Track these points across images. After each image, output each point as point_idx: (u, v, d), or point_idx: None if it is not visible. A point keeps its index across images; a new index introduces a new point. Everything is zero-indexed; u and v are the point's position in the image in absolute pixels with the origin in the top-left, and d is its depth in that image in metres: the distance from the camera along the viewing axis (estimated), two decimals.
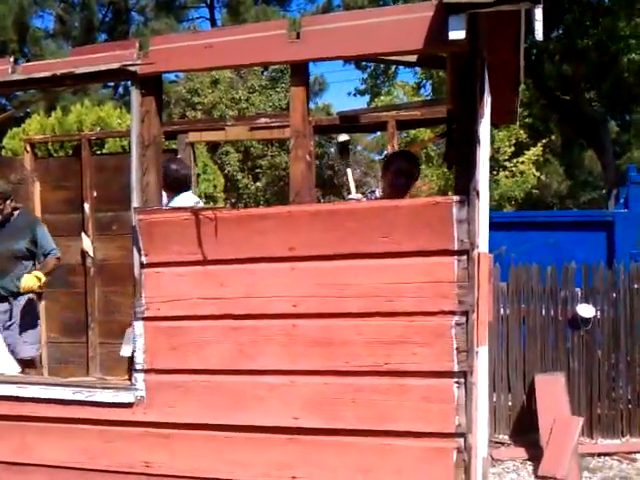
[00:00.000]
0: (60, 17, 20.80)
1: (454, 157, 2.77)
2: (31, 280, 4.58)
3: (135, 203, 2.95)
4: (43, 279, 4.65)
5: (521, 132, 15.86)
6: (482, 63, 2.66)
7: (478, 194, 2.61)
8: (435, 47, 2.59)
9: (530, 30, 2.54)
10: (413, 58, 3.47)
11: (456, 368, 2.55)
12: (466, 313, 2.55)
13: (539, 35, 2.39)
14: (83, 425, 2.98)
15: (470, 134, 2.61)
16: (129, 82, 3.00)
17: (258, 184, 15.41)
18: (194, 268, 2.84)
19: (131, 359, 4.43)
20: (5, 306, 4.72)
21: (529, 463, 4.93)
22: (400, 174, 3.81)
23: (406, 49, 2.68)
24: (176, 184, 4.68)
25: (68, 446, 3.02)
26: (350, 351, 2.64)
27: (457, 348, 2.55)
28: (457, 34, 2.36)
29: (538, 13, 2.34)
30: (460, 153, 2.66)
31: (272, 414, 2.73)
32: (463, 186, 2.60)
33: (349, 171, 3.72)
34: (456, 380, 2.55)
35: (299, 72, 2.78)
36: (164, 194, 4.77)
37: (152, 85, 2.93)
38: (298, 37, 2.68)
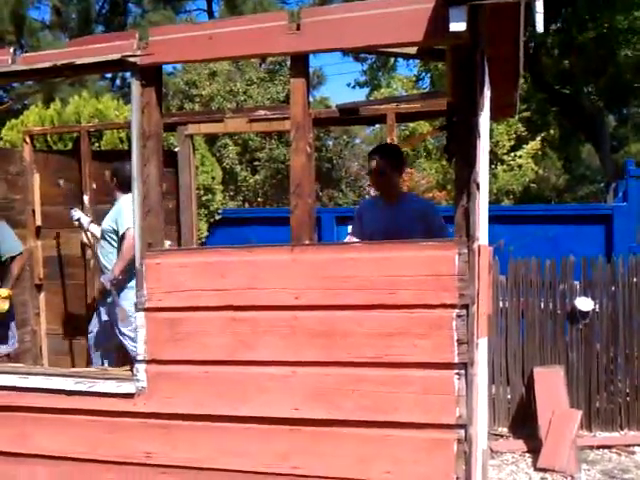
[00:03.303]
0: (57, 8, 20.67)
1: (455, 150, 2.77)
2: None
3: (136, 195, 2.95)
4: (7, 293, 4.67)
5: (520, 126, 15.86)
6: (482, 55, 2.66)
7: (478, 186, 2.61)
8: (436, 39, 2.59)
9: (530, 23, 2.54)
10: (413, 50, 3.47)
11: (457, 360, 2.56)
12: (466, 306, 2.56)
13: (540, 27, 2.39)
14: (84, 416, 2.99)
15: (470, 127, 2.61)
16: (129, 73, 3.00)
17: (257, 177, 15.37)
18: (195, 259, 2.85)
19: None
20: None
21: (528, 455, 4.95)
22: (372, 174, 4.06)
23: (406, 41, 2.68)
24: (128, 184, 4.79)
25: (69, 436, 3.03)
26: (351, 342, 2.65)
27: (458, 340, 2.56)
28: (458, 26, 2.36)
29: (539, 5, 2.35)
30: (460, 146, 2.66)
31: (273, 405, 2.75)
32: (463, 179, 2.61)
33: None
34: (457, 372, 2.57)
35: (299, 64, 2.77)
36: (113, 185, 4.96)
37: (152, 76, 2.93)
38: (298, 29, 2.69)
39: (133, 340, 4.72)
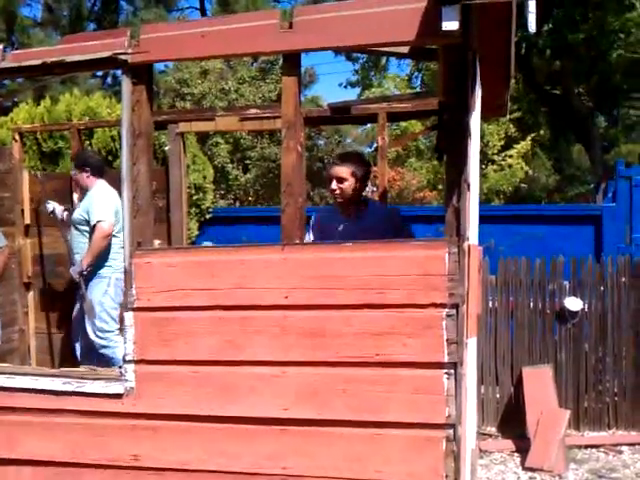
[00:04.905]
0: (48, 6, 20.58)
1: (445, 149, 2.77)
2: None
3: (125, 194, 2.93)
4: None
5: (510, 126, 15.92)
6: (474, 55, 2.66)
7: (469, 186, 2.61)
8: (428, 38, 2.59)
9: (522, 23, 2.54)
10: (405, 49, 3.47)
11: (446, 359, 2.57)
12: (456, 305, 2.56)
13: (532, 27, 2.40)
14: (72, 416, 2.96)
15: (461, 126, 2.62)
16: (119, 71, 2.99)
17: (248, 176, 15.36)
18: (185, 258, 2.84)
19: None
20: None
21: (516, 455, 4.96)
22: (330, 181, 3.74)
23: (399, 40, 2.68)
24: (100, 170, 5.11)
25: (56, 437, 3.00)
26: (341, 342, 2.65)
27: (447, 340, 2.56)
28: (450, 25, 2.36)
29: (532, 5, 2.35)
30: (451, 145, 2.66)
31: (263, 405, 2.74)
32: (454, 178, 2.62)
33: None
34: (446, 371, 2.57)
35: (291, 62, 2.77)
36: (84, 176, 4.99)
37: (143, 74, 2.92)
38: (290, 27, 2.68)
39: (100, 331, 4.86)
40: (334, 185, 3.70)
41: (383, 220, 3.75)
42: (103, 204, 4.88)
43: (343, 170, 3.69)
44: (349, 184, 3.70)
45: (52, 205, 5.31)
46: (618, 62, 14.81)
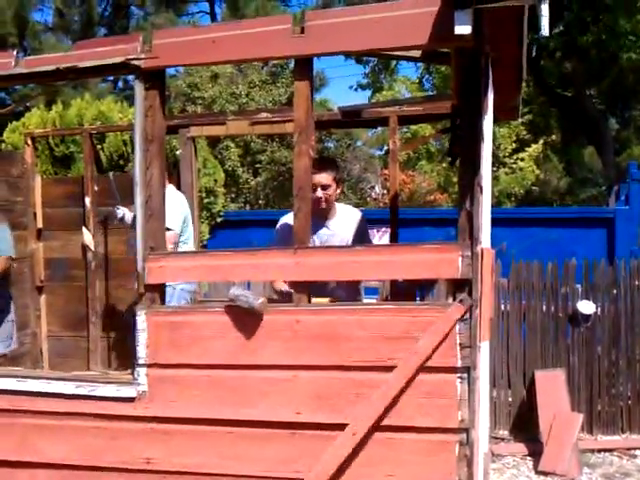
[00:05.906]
0: (59, 11, 20.68)
1: (458, 152, 2.77)
2: None
3: (138, 197, 2.94)
4: None
5: (522, 129, 15.87)
6: (486, 58, 2.66)
7: (482, 189, 2.61)
8: (440, 42, 2.59)
9: (534, 26, 2.53)
10: (417, 53, 3.47)
11: (459, 363, 2.56)
12: (469, 309, 2.56)
13: (545, 31, 2.39)
14: (84, 420, 2.97)
15: (474, 130, 2.61)
16: (132, 76, 3.00)
17: (258, 179, 15.38)
18: (198, 262, 2.85)
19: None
20: None
21: (529, 459, 4.94)
22: (314, 189, 3.63)
23: (411, 44, 2.68)
24: (170, 173, 4.68)
25: (68, 442, 3.01)
26: (354, 346, 2.65)
27: (460, 344, 2.55)
28: (463, 29, 2.36)
29: (544, 8, 2.34)
30: (464, 149, 2.66)
31: (275, 409, 2.74)
32: (467, 182, 2.61)
33: None
34: (459, 375, 2.56)
35: (303, 67, 2.77)
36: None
37: (156, 79, 2.93)
38: (303, 32, 2.68)
39: None
40: (319, 193, 3.72)
41: (351, 223, 3.89)
42: (170, 212, 4.42)
43: (326, 177, 3.76)
44: (332, 190, 3.80)
45: (122, 211, 5.07)
46: (630, 64, 14.73)
